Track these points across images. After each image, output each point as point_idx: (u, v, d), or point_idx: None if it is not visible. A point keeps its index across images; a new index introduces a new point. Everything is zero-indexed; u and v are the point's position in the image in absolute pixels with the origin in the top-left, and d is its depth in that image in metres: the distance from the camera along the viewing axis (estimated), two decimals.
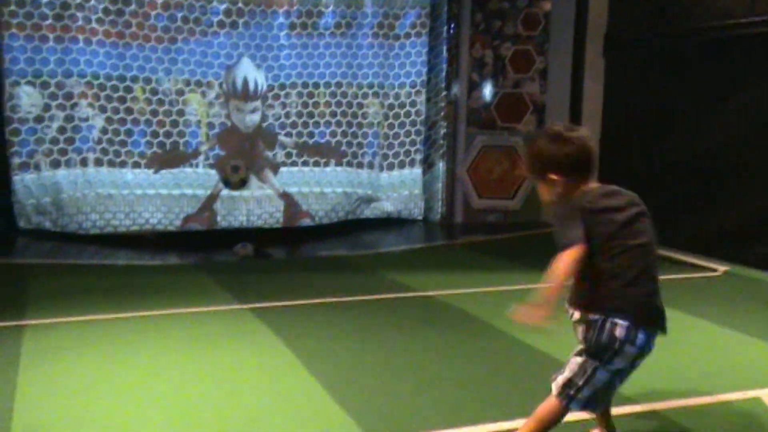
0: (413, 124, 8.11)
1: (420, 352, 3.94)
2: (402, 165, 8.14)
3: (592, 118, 7.72)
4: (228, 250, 6.71)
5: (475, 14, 8.11)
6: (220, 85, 7.43)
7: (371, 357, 3.84)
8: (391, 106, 8.02)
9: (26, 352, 3.82)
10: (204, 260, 6.47)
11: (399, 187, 8.13)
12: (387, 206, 8.10)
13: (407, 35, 7.96)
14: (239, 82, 7.49)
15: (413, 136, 8.13)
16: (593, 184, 2.59)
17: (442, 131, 8.25)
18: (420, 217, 8.25)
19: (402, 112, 8.07)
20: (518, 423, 2.80)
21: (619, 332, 2.48)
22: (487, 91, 8.24)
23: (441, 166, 8.31)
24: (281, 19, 7.55)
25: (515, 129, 8.27)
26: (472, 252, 6.98)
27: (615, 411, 3.03)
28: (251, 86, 7.53)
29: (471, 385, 3.45)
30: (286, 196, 7.71)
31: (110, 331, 4.24)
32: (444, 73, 8.18)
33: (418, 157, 8.19)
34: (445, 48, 8.14)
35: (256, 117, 7.60)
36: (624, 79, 7.44)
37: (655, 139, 7.00)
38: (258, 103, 7.58)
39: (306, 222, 7.79)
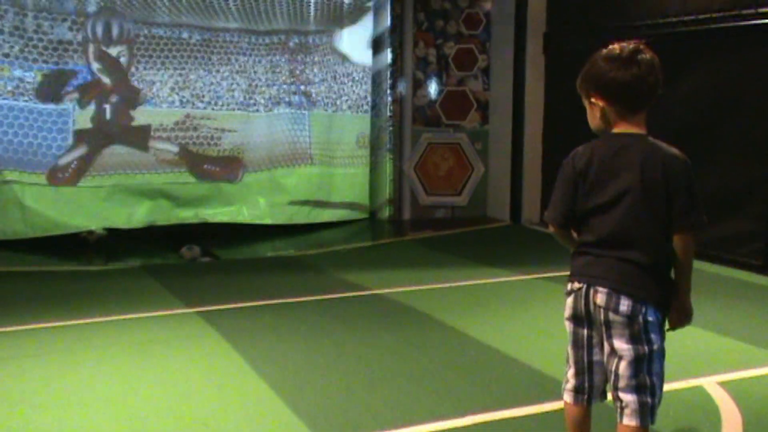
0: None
1: (370, 349, 3.95)
2: (349, 163, 8.12)
3: (535, 114, 7.85)
4: (174, 253, 6.61)
5: (418, 13, 8.16)
6: None
7: (321, 357, 3.83)
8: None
9: None
10: (148, 263, 6.35)
11: (347, 186, 8.11)
12: (336, 210, 8.05)
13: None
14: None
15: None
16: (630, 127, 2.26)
17: (389, 129, 8.27)
18: (367, 215, 8.24)
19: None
20: (471, 419, 2.82)
21: None
22: (432, 88, 8.30)
23: (388, 163, 8.32)
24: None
25: (460, 126, 8.35)
26: (420, 248, 7.02)
27: (559, 404, 3.09)
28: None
29: (423, 381, 3.47)
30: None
31: (53, 339, 4.13)
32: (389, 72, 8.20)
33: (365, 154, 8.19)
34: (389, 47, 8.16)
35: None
36: (564, 75, 7.57)
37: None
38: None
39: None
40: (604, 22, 6.98)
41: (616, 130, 2.28)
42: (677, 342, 4.11)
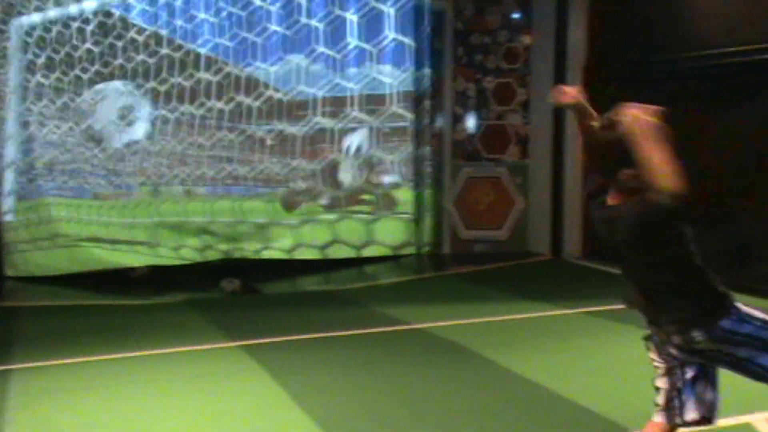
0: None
1: (415, 385, 3.93)
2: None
3: (575, 147, 7.81)
4: (214, 287, 6.70)
5: (457, 48, 8.23)
6: None
7: (365, 392, 3.83)
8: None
9: (15, 396, 3.77)
10: (192, 297, 6.43)
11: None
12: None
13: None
14: None
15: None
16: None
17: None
18: (411, 250, 8.25)
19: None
20: None
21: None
22: (471, 123, 8.33)
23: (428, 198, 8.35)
24: None
25: (500, 160, 8.35)
26: (462, 283, 6.99)
27: None
28: None
29: (468, 419, 3.43)
30: None
31: (100, 372, 4.21)
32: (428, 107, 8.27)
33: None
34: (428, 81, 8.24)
35: None
36: (604, 110, 7.55)
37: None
38: None
39: None
40: (644, 56, 6.96)
41: None
42: (726, 378, 4.02)
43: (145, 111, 7.95)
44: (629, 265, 2.38)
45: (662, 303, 2.32)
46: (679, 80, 6.62)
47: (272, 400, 3.72)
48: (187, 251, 7.45)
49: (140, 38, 7.76)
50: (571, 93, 2.50)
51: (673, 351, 2.33)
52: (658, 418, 2.40)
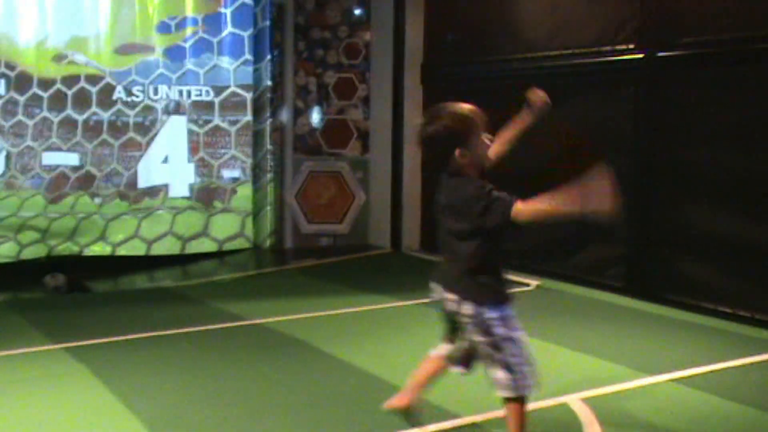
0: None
1: (249, 381, 3.89)
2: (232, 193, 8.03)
3: (414, 142, 8.03)
4: (37, 284, 6.30)
5: (298, 43, 8.22)
6: None
7: (198, 391, 3.74)
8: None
9: None
10: (12, 297, 5.99)
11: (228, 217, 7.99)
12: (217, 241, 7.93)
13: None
14: None
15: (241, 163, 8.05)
16: None
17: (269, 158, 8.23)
18: (249, 245, 8.14)
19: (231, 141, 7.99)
20: None
21: None
22: (313, 117, 8.35)
23: (269, 192, 8.27)
24: None
25: (341, 154, 8.43)
26: (302, 277, 7.00)
27: (438, 426, 3.16)
28: None
29: (303, 412, 3.45)
30: None
31: None
32: (269, 101, 8.19)
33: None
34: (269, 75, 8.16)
35: None
36: (434, 102, 7.82)
37: None
38: None
39: None
40: (477, 56, 7.28)
41: None
42: (544, 362, 4.29)
43: None
44: (446, 232, 2.74)
45: (457, 270, 2.70)
46: (509, 80, 6.99)
47: (100, 403, 3.55)
48: (8, 248, 6.94)
49: None
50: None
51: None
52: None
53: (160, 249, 7.57)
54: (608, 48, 6.05)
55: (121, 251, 7.42)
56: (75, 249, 7.24)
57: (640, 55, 5.82)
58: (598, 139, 6.18)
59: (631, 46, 5.89)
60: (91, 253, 7.28)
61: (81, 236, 7.30)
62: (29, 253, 7.05)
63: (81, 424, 3.32)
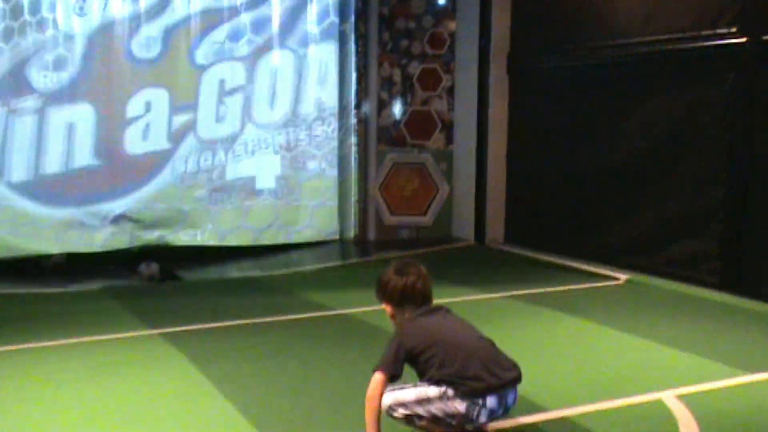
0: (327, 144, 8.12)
1: (337, 370, 3.94)
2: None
3: (499, 134, 7.94)
4: (133, 275, 6.55)
5: (383, 34, 8.23)
6: None
7: (288, 378, 3.82)
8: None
9: None
10: (109, 285, 6.25)
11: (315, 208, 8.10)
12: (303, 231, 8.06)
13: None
14: None
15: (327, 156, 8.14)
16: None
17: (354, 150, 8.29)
18: (336, 237, 8.22)
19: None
20: None
21: None
22: (397, 109, 8.36)
23: (353, 184, 8.33)
24: None
25: (425, 146, 8.41)
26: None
27: (525, 419, 3.13)
28: None
29: None
30: None
31: (11, 364, 4.05)
32: (354, 93, 8.24)
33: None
34: (354, 67, 8.20)
35: None
36: (528, 96, 7.70)
37: (558, 153, 7.27)
38: None
39: None
40: (565, 44, 7.12)
41: None
42: (637, 357, 4.19)
43: None
44: None
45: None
46: (599, 68, 6.81)
47: (193, 387, 3.67)
48: (104, 237, 7.23)
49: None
50: None
51: None
52: None
53: (245, 239, 7.75)
54: (708, 32, 5.80)
55: (210, 241, 7.63)
56: (165, 239, 7.47)
57: (743, 40, 5.57)
58: (693, 130, 5.96)
59: (733, 30, 5.63)
60: (180, 243, 7.50)
61: (171, 226, 7.52)
62: (121, 243, 7.32)
63: (177, 406, 3.44)
